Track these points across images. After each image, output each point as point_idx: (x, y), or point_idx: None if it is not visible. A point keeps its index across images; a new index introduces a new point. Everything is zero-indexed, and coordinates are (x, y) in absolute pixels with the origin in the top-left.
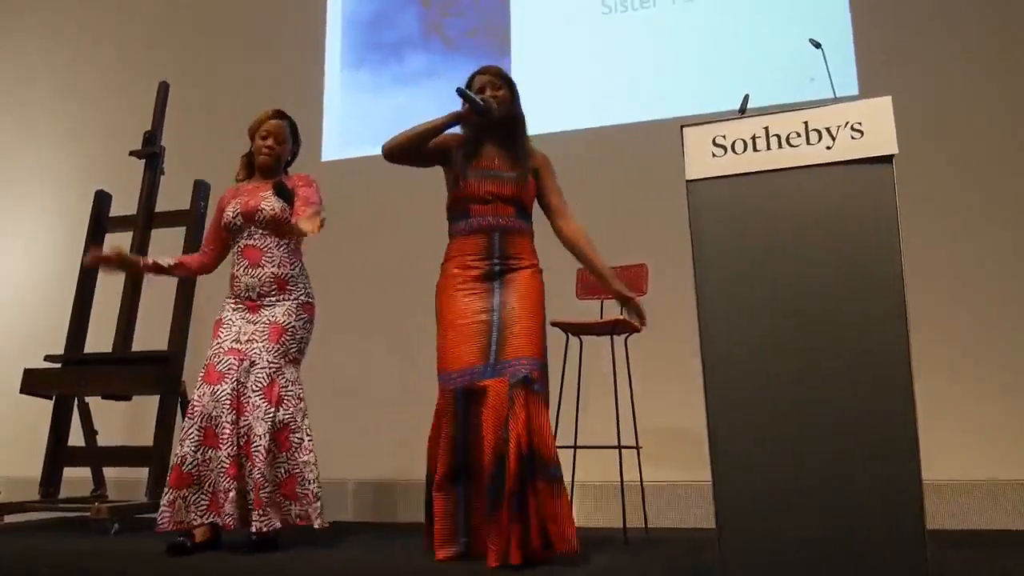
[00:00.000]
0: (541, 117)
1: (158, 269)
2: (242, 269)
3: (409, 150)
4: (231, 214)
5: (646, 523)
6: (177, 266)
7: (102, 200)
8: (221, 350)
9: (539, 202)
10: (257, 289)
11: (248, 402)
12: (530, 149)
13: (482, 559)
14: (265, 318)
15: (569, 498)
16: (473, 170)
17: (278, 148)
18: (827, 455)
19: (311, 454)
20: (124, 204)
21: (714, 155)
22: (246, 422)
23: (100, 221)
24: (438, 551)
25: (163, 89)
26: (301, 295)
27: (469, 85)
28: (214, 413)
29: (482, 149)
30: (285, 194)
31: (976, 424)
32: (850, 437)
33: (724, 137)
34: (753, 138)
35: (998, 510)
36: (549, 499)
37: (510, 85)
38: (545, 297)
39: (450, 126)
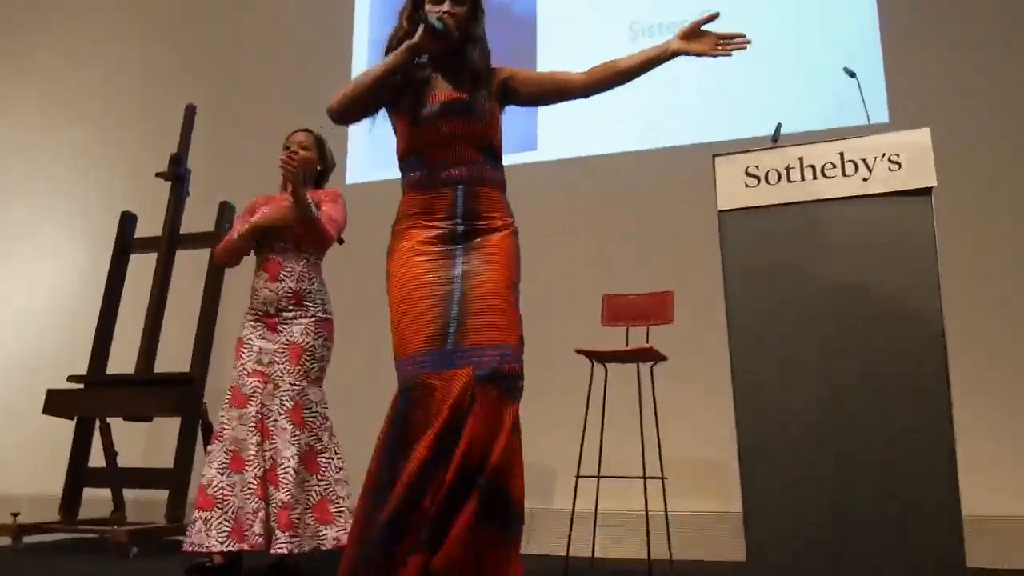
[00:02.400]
0: (568, 143)
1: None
2: (262, 282)
3: (364, 103)
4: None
5: (671, 555)
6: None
7: (127, 221)
8: (245, 372)
9: (539, 95)
10: (275, 304)
11: (275, 425)
12: (492, 70)
13: None
14: (284, 338)
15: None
16: (429, 106)
17: (302, 152)
18: (863, 487)
19: (340, 471)
20: (149, 224)
21: (747, 185)
22: (272, 445)
23: (125, 242)
24: None
25: (190, 112)
26: (319, 311)
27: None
28: (240, 436)
29: (436, 81)
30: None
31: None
32: (885, 468)
33: (757, 167)
34: (787, 168)
35: None
36: (496, 552)
37: (474, 1)
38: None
39: (408, 63)
